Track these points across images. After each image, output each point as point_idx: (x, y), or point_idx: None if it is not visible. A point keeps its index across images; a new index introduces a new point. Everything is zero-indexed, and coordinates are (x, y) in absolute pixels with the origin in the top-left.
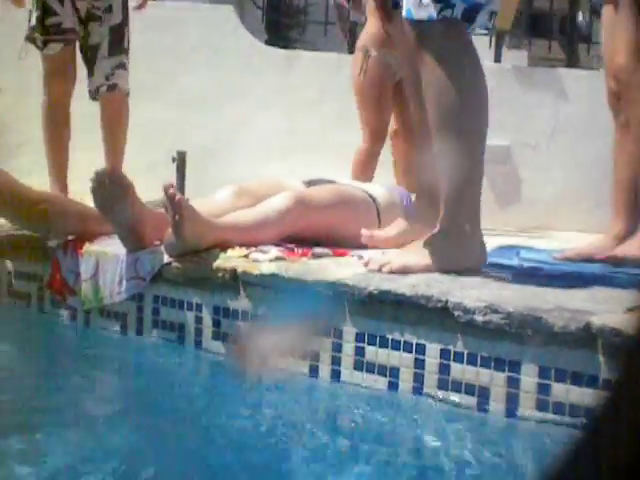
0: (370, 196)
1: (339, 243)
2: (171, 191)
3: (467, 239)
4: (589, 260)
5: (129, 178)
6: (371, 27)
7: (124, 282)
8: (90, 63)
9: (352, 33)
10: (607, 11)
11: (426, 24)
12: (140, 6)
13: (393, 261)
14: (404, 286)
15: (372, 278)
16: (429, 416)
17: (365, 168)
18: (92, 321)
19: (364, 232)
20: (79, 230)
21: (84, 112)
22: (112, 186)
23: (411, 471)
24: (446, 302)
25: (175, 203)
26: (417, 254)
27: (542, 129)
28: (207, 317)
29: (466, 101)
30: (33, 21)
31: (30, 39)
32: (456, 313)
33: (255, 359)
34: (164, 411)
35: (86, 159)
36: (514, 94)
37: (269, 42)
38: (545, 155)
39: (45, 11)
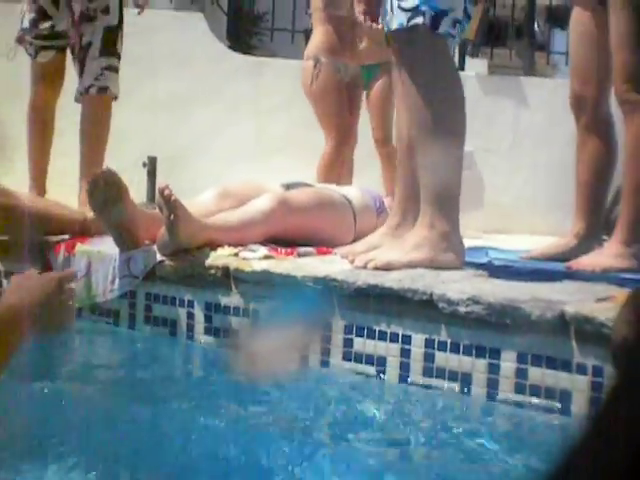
0: (346, 199)
1: (318, 244)
2: (167, 192)
3: (448, 238)
4: (554, 259)
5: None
6: (319, 35)
7: (117, 280)
8: (81, 64)
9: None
10: (576, 13)
11: (399, 33)
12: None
13: (378, 258)
14: (390, 280)
15: (359, 274)
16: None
17: (329, 171)
18: (83, 318)
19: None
20: (58, 231)
21: (61, 118)
22: (108, 188)
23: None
24: (431, 295)
25: (171, 204)
26: (400, 251)
27: (503, 135)
28: (199, 313)
29: (444, 109)
30: (26, 23)
31: (21, 41)
32: (440, 305)
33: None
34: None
35: (61, 164)
36: (477, 101)
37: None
38: (506, 161)
39: (39, 14)
